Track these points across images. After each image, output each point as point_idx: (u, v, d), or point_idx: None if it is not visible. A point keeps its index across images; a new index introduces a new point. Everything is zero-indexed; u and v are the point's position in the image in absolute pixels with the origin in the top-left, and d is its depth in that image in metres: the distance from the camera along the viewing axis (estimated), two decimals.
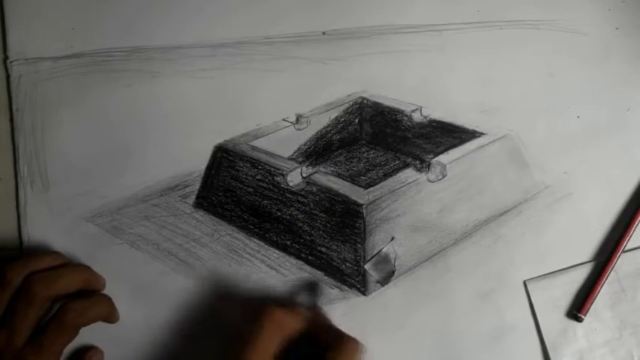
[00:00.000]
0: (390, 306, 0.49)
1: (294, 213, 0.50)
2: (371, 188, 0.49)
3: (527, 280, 0.51)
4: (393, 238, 0.49)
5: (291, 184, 0.50)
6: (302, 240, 0.50)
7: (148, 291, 0.49)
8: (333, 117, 0.58)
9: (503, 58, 0.58)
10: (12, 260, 0.45)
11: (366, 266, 0.48)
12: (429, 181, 0.51)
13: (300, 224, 0.50)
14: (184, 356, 0.48)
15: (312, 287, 0.49)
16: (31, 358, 0.42)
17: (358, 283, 0.49)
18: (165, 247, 0.50)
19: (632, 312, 0.51)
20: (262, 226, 0.52)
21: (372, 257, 0.48)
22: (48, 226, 0.49)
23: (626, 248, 0.52)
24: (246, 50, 0.55)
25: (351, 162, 0.59)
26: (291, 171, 0.50)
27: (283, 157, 0.52)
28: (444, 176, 0.51)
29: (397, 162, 0.58)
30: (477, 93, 0.57)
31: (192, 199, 0.52)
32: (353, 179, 0.56)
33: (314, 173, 0.50)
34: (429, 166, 0.51)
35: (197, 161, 0.53)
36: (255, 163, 0.51)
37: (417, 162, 0.58)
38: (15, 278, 0.43)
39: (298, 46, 0.56)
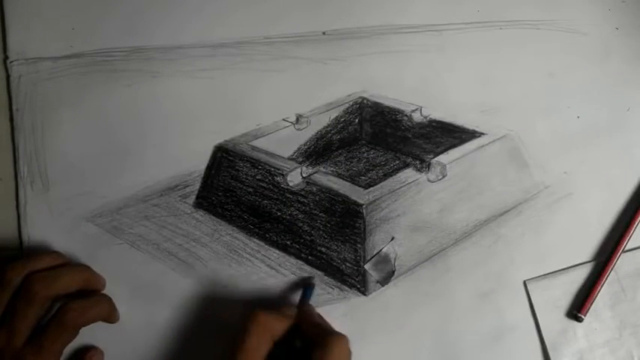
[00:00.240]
0: (390, 306, 0.49)
1: (294, 213, 0.50)
2: (371, 188, 0.49)
3: (527, 280, 0.51)
4: (393, 238, 0.49)
5: (291, 184, 0.50)
6: (302, 240, 0.50)
7: (148, 291, 0.49)
8: (333, 117, 0.58)
9: (503, 58, 0.58)
10: (12, 260, 0.45)
11: (366, 266, 0.48)
12: (429, 181, 0.51)
13: (300, 224, 0.50)
14: (184, 356, 0.48)
15: (304, 284, 0.48)
16: (31, 357, 0.42)
17: (358, 283, 0.49)
18: (165, 247, 0.50)
19: (632, 312, 0.51)
20: (262, 226, 0.52)
21: (372, 257, 0.48)
22: (48, 226, 0.49)
23: (626, 248, 0.52)
24: (246, 50, 0.55)
25: (351, 162, 0.59)
26: (291, 171, 0.50)
27: (283, 157, 0.52)
28: (444, 176, 0.51)
29: (397, 162, 0.58)
30: (477, 93, 0.57)
31: (192, 199, 0.52)
32: (353, 179, 0.56)
33: (314, 173, 0.50)
34: (429, 166, 0.51)
35: (197, 161, 0.53)
36: (255, 163, 0.51)
37: (417, 162, 0.58)
38: (15, 278, 0.43)
39: (298, 46, 0.56)
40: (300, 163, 0.57)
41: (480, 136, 0.54)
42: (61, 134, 0.52)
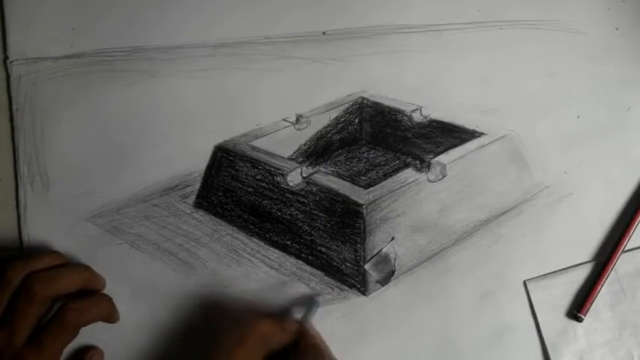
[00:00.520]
0: (390, 306, 0.49)
1: (294, 213, 0.50)
2: (371, 188, 0.49)
3: (528, 280, 0.51)
4: (393, 238, 0.49)
5: (291, 184, 0.50)
6: (302, 240, 0.50)
7: (148, 291, 0.49)
8: (333, 117, 0.58)
9: (503, 58, 0.58)
10: (12, 260, 0.45)
11: (366, 266, 0.48)
12: (429, 181, 0.51)
13: (300, 224, 0.50)
14: (184, 356, 0.48)
15: (307, 302, 0.48)
16: (31, 357, 0.42)
17: (358, 283, 0.49)
18: (165, 247, 0.50)
19: (632, 312, 0.51)
20: (262, 226, 0.52)
21: (372, 257, 0.48)
22: (48, 226, 0.49)
23: (626, 248, 0.52)
24: (246, 50, 0.55)
25: (351, 162, 0.59)
26: (291, 171, 0.50)
27: (283, 157, 0.52)
28: (444, 176, 0.51)
29: (397, 162, 0.58)
30: (476, 93, 0.57)
31: (192, 199, 0.52)
32: (353, 179, 0.56)
33: (314, 173, 0.50)
34: (429, 166, 0.51)
35: (197, 161, 0.53)
36: (255, 163, 0.51)
37: (417, 162, 0.58)
38: (15, 278, 0.43)
39: (298, 46, 0.56)
40: (300, 163, 0.57)
41: (479, 136, 0.54)
42: (61, 134, 0.52)
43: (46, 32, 0.53)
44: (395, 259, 0.49)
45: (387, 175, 0.55)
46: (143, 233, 0.50)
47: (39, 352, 0.42)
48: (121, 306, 0.48)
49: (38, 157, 0.51)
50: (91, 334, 0.46)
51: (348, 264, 0.48)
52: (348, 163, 0.59)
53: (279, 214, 0.51)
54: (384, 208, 0.48)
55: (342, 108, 0.57)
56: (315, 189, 0.49)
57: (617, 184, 0.54)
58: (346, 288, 0.49)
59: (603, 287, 0.51)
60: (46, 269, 0.45)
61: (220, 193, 0.53)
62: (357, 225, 0.48)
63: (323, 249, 0.49)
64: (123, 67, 0.54)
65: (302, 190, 0.50)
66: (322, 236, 0.49)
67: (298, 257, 0.50)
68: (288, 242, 0.51)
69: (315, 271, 0.50)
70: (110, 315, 0.47)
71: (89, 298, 0.46)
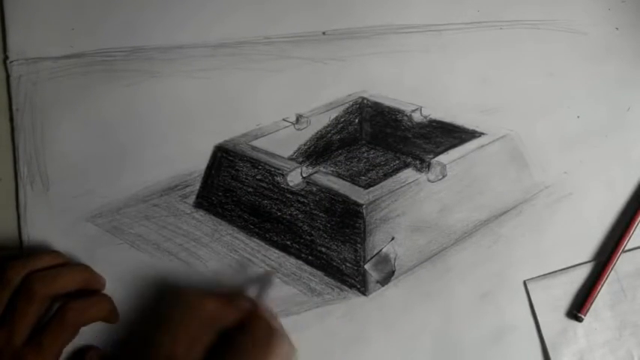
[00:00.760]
0: (390, 306, 0.49)
1: (294, 213, 0.50)
2: (371, 188, 0.49)
3: (528, 280, 0.51)
4: (393, 238, 0.49)
5: (291, 184, 0.50)
6: (302, 240, 0.50)
7: (148, 291, 0.49)
8: (333, 117, 0.58)
9: (503, 58, 0.58)
10: (12, 259, 0.45)
11: (366, 266, 0.48)
12: (429, 181, 0.51)
13: (300, 224, 0.50)
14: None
15: (261, 280, 0.48)
16: (31, 357, 0.42)
17: (358, 283, 0.49)
18: (165, 247, 0.50)
19: (632, 312, 0.51)
20: (262, 226, 0.52)
21: (372, 257, 0.48)
22: (48, 226, 0.49)
23: (626, 248, 0.52)
24: (246, 50, 0.55)
25: (351, 162, 0.59)
26: (291, 171, 0.50)
27: (283, 157, 0.52)
28: (444, 176, 0.51)
29: (397, 162, 0.58)
30: (476, 93, 0.57)
31: (192, 199, 0.52)
32: (353, 179, 0.56)
33: (314, 173, 0.50)
34: (429, 166, 0.51)
35: (197, 161, 0.53)
36: (255, 163, 0.51)
37: (417, 162, 0.58)
38: (15, 277, 0.43)
39: (298, 46, 0.56)
40: (300, 163, 0.57)
41: (479, 136, 0.54)
42: (61, 134, 0.52)
43: (46, 32, 0.53)
44: (395, 259, 0.49)
45: (387, 175, 0.55)
46: (143, 233, 0.50)
47: (38, 352, 0.42)
48: (121, 306, 0.47)
49: (38, 157, 0.51)
50: (91, 334, 0.46)
51: (348, 264, 0.48)
52: (348, 163, 0.59)
53: (279, 214, 0.51)
54: (384, 208, 0.48)
55: (342, 108, 0.57)
56: (315, 189, 0.49)
57: (617, 184, 0.54)
58: (346, 288, 0.49)
59: (603, 287, 0.51)
60: (46, 268, 0.45)
61: (220, 193, 0.53)
62: (357, 225, 0.48)
63: (323, 249, 0.49)
64: (123, 67, 0.54)
65: (302, 190, 0.50)
66: (322, 236, 0.49)
67: (298, 257, 0.50)
68: (288, 242, 0.51)
69: (315, 271, 0.50)
70: (110, 315, 0.47)
71: (89, 297, 0.46)
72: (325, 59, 0.56)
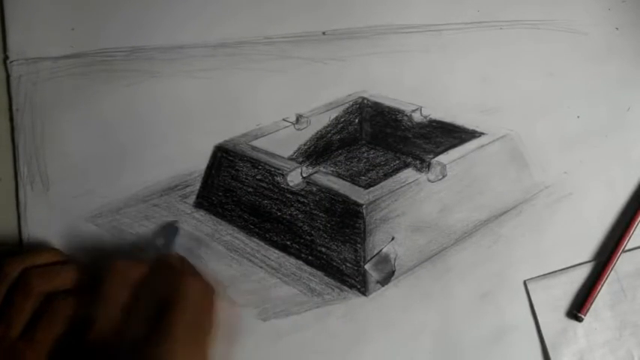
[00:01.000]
0: (390, 306, 0.49)
1: (294, 213, 0.50)
2: (371, 188, 0.49)
3: (528, 279, 0.51)
4: (393, 238, 0.49)
5: (291, 184, 0.50)
6: (302, 240, 0.50)
7: None
8: (333, 117, 0.58)
9: (503, 58, 0.58)
10: (10, 255, 0.45)
11: (366, 266, 0.48)
12: (429, 181, 0.51)
13: (300, 224, 0.50)
14: None
15: (167, 229, 0.49)
16: (26, 350, 0.42)
17: (358, 284, 0.49)
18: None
19: (632, 312, 0.51)
20: (262, 226, 0.52)
21: (372, 257, 0.48)
22: (48, 226, 0.49)
23: (626, 248, 0.52)
24: (246, 50, 0.55)
25: (351, 162, 0.59)
26: (291, 171, 0.50)
27: (283, 157, 0.52)
28: (444, 176, 0.51)
29: (397, 162, 0.58)
30: (477, 93, 0.57)
31: (192, 199, 0.52)
32: (353, 179, 0.56)
33: (314, 173, 0.50)
34: (429, 166, 0.51)
35: (197, 161, 0.53)
36: (255, 163, 0.51)
37: (417, 162, 0.58)
38: (12, 272, 0.44)
39: (298, 46, 0.56)
40: (300, 163, 0.57)
41: (479, 136, 0.54)
42: (61, 134, 0.52)
43: (46, 32, 0.53)
44: (395, 259, 0.49)
45: (387, 175, 0.55)
46: (143, 233, 0.50)
47: (33, 345, 0.42)
48: None
49: (38, 157, 0.51)
50: None
51: (348, 264, 0.48)
52: (348, 163, 0.59)
53: (279, 214, 0.51)
54: (384, 208, 0.48)
55: (342, 108, 0.57)
56: (315, 189, 0.49)
57: (617, 184, 0.54)
58: (346, 288, 0.49)
59: (603, 287, 0.51)
60: (44, 265, 0.45)
61: (220, 193, 0.53)
62: (357, 225, 0.48)
63: (323, 249, 0.49)
64: (123, 67, 0.54)
65: (302, 190, 0.50)
66: (322, 236, 0.49)
67: (298, 257, 0.50)
68: (288, 242, 0.51)
69: (315, 271, 0.50)
70: (78, 282, 0.46)
71: (54, 266, 0.46)
72: (325, 59, 0.56)
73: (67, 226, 0.50)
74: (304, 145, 0.57)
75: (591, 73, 0.58)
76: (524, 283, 0.51)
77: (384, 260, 0.49)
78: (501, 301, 0.50)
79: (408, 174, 0.50)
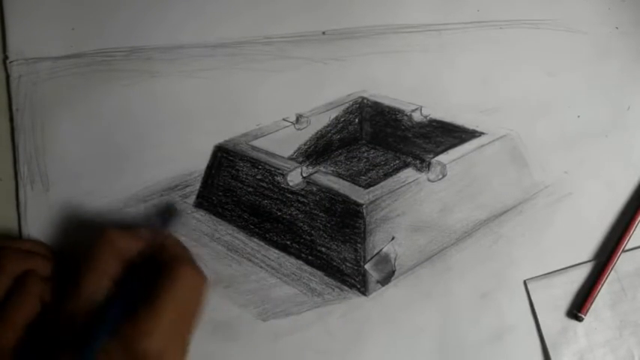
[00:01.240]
0: (390, 306, 0.49)
1: (294, 213, 0.50)
2: (371, 188, 0.49)
3: (528, 279, 0.51)
4: (393, 238, 0.49)
5: (291, 183, 0.50)
6: (302, 240, 0.50)
7: None
8: (333, 117, 0.58)
9: (503, 57, 0.58)
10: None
11: (367, 266, 0.48)
12: (429, 180, 0.51)
13: (300, 224, 0.50)
14: None
15: (165, 210, 0.49)
16: None
17: (358, 283, 0.49)
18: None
19: (632, 311, 0.51)
20: (262, 225, 0.52)
21: (373, 257, 0.48)
22: (48, 226, 0.49)
23: (626, 248, 0.52)
24: (246, 50, 0.55)
25: (351, 162, 0.59)
26: (291, 171, 0.50)
27: (283, 157, 0.52)
28: (444, 176, 0.51)
29: (397, 162, 0.58)
30: (476, 92, 0.57)
31: (192, 198, 0.52)
32: (353, 179, 0.56)
33: (314, 173, 0.50)
34: (429, 165, 0.51)
35: (197, 161, 0.52)
36: (255, 162, 0.51)
37: (417, 162, 0.58)
38: None
39: (298, 46, 0.56)
40: (300, 162, 0.57)
41: (479, 136, 0.54)
42: (61, 134, 0.52)
43: (46, 32, 0.53)
44: (395, 259, 0.49)
45: (387, 175, 0.55)
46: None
47: (3, 324, 0.41)
48: None
49: (38, 157, 0.51)
50: None
51: (348, 264, 0.48)
52: (348, 162, 0.59)
53: (279, 214, 0.51)
54: (384, 208, 0.48)
55: (342, 108, 0.57)
56: (315, 189, 0.49)
57: (617, 184, 0.54)
58: (346, 288, 0.49)
59: (603, 287, 0.51)
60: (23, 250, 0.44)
61: (220, 193, 0.53)
62: (357, 225, 0.48)
63: (323, 249, 0.49)
64: (123, 67, 0.54)
65: (302, 190, 0.50)
66: (322, 236, 0.49)
67: (298, 257, 0.50)
68: (288, 242, 0.51)
69: (315, 271, 0.50)
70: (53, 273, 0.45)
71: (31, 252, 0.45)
72: (325, 59, 0.56)
73: (67, 226, 0.50)
74: (304, 144, 0.57)
75: (591, 73, 0.58)
76: (525, 282, 0.51)
77: (384, 260, 0.49)
78: (501, 301, 0.50)
79: (408, 174, 0.50)
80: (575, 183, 0.54)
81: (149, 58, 0.54)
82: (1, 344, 0.41)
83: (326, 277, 0.49)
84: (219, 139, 0.53)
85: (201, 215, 0.52)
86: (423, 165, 0.54)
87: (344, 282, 0.49)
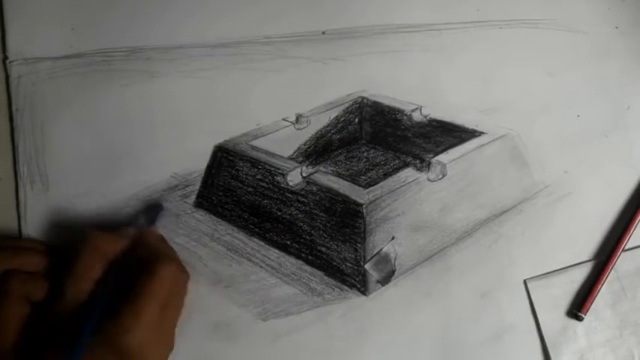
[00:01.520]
0: (390, 305, 0.49)
1: (294, 213, 0.50)
2: (371, 188, 0.49)
3: (528, 279, 0.51)
4: (393, 238, 0.49)
5: (291, 183, 0.50)
6: (302, 240, 0.50)
7: None
8: (332, 116, 0.58)
9: (502, 57, 0.58)
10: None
11: (367, 266, 0.48)
12: (429, 180, 0.51)
13: (300, 224, 0.50)
14: (183, 355, 0.48)
15: (152, 208, 0.49)
16: None
17: (358, 283, 0.49)
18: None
19: (632, 311, 0.51)
20: (262, 225, 0.52)
21: (373, 257, 0.48)
22: (48, 226, 0.49)
23: (626, 247, 0.52)
24: (245, 50, 0.55)
25: (351, 161, 0.59)
26: (291, 170, 0.50)
27: (283, 157, 0.52)
28: (444, 175, 0.51)
29: (397, 161, 0.58)
30: (476, 92, 0.57)
31: (192, 198, 0.52)
32: (353, 179, 0.56)
33: (314, 173, 0.50)
34: (429, 165, 0.51)
35: (197, 161, 0.53)
36: (255, 162, 0.51)
37: (417, 161, 0.58)
38: None
39: (298, 45, 0.56)
40: (300, 162, 0.57)
41: (479, 136, 0.54)
42: (60, 134, 0.52)
43: (46, 32, 0.53)
44: (395, 259, 0.49)
45: (387, 175, 0.55)
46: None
47: None
48: None
49: (38, 157, 0.51)
50: None
51: (348, 264, 0.48)
52: (348, 162, 0.59)
53: (279, 213, 0.51)
54: (384, 208, 0.48)
55: (341, 107, 0.57)
56: (315, 189, 0.49)
57: (617, 184, 0.54)
58: (346, 288, 0.49)
59: (603, 286, 0.51)
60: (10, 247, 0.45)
61: (220, 193, 0.53)
62: (357, 225, 0.48)
63: (323, 249, 0.49)
64: (122, 67, 0.54)
65: (302, 189, 0.50)
66: (322, 236, 0.49)
67: (298, 257, 0.50)
68: (288, 242, 0.51)
69: (315, 271, 0.50)
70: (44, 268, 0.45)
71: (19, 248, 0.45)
72: (325, 59, 0.56)
73: (67, 226, 0.50)
74: (304, 144, 0.57)
75: (591, 73, 0.58)
76: (525, 282, 0.51)
77: (384, 260, 0.49)
78: (501, 301, 0.50)
79: (408, 173, 0.50)
80: (575, 183, 0.54)
81: (149, 58, 0.54)
82: None
83: (326, 277, 0.49)
84: (219, 139, 0.53)
85: (201, 215, 0.52)
86: (423, 165, 0.54)
87: (344, 282, 0.49)
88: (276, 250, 0.51)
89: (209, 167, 0.53)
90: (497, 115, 0.56)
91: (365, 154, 0.60)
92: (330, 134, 0.59)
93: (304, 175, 0.50)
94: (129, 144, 0.52)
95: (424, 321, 0.49)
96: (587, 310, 0.50)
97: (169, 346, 0.44)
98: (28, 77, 0.52)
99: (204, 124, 0.53)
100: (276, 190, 0.51)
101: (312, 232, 0.50)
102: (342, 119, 0.58)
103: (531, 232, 0.52)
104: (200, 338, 0.48)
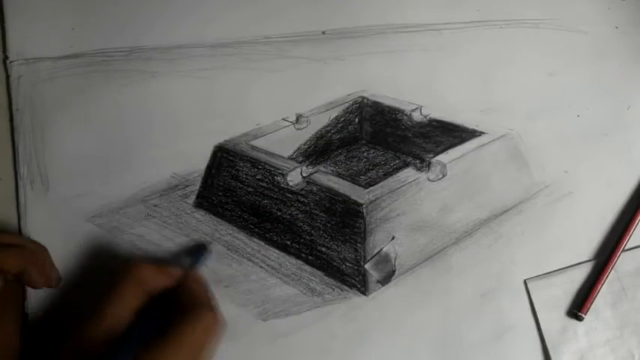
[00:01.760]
0: (391, 305, 0.49)
1: (294, 213, 0.50)
2: (371, 188, 0.49)
3: (528, 279, 0.51)
4: (393, 238, 0.49)
5: (291, 183, 0.50)
6: (302, 240, 0.50)
7: None
8: (332, 116, 0.58)
9: (503, 57, 0.58)
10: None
11: (367, 266, 0.48)
12: (429, 180, 0.51)
13: (300, 224, 0.50)
14: None
15: (197, 249, 0.49)
16: None
17: (358, 283, 0.49)
18: (165, 247, 0.50)
19: (632, 311, 0.51)
20: (262, 225, 0.52)
21: (373, 257, 0.48)
22: (48, 226, 0.49)
23: (627, 247, 0.52)
24: (245, 50, 0.55)
25: (351, 161, 0.59)
26: (291, 170, 0.50)
27: (283, 157, 0.52)
28: (444, 175, 0.51)
29: (397, 161, 0.58)
30: (476, 92, 0.57)
31: (192, 198, 0.52)
32: (353, 179, 0.56)
33: (314, 173, 0.50)
34: (429, 165, 0.51)
35: (197, 161, 0.53)
36: (255, 162, 0.51)
37: (417, 161, 0.58)
38: None
39: (298, 45, 0.56)
40: (300, 162, 0.57)
41: (479, 136, 0.54)
42: (60, 134, 0.52)
43: (46, 32, 0.53)
44: (395, 259, 0.49)
45: (387, 175, 0.55)
46: (144, 233, 0.50)
47: None
48: None
49: (38, 157, 0.51)
50: None
51: (348, 264, 0.48)
52: (348, 162, 0.59)
53: (279, 213, 0.51)
54: (385, 208, 0.48)
55: (341, 107, 0.57)
56: (315, 189, 0.49)
57: (617, 183, 0.54)
58: (346, 288, 0.49)
59: (604, 286, 0.51)
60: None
61: (220, 193, 0.53)
62: (358, 224, 0.48)
63: (323, 249, 0.49)
64: (122, 67, 0.54)
65: (302, 189, 0.50)
66: (322, 236, 0.49)
67: (298, 257, 0.50)
68: (288, 242, 0.51)
69: (315, 271, 0.50)
70: (49, 281, 0.45)
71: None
72: (325, 59, 0.56)
73: (67, 226, 0.50)
74: (304, 144, 0.57)
75: (591, 72, 0.58)
76: (525, 282, 0.51)
77: (384, 260, 0.49)
78: (502, 301, 0.50)
79: (408, 173, 0.50)
80: (575, 182, 0.54)
81: (148, 58, 0.54)
82: None
83: (326, 277, 0.49)
84: (219, 139, 0.53)
85: (201, 215, 0.52)
86: (423, 165, 0.54)
87: (344, 282, 0.49)
88: (276, 250, 0.51)
89: (209, 167, 0.53)
90: (497, 115, 0.56)
91: (365, 154, 0.60)
92: (330, 134, 0.59)
93: (304, 175, 0.50)
94: (129, 144, 0.52)
95: (424, 321, 0.49)
96: (588, 310, 0.50)
97: None
98: (29, 77, 0.52)
99: (204, 124, 0.53)
100: (276, 190, 0.51)
101: (312, 232, 0.50)
102: (342, 119, 0.58)
103: (531, 232, 0.52)
104: None
